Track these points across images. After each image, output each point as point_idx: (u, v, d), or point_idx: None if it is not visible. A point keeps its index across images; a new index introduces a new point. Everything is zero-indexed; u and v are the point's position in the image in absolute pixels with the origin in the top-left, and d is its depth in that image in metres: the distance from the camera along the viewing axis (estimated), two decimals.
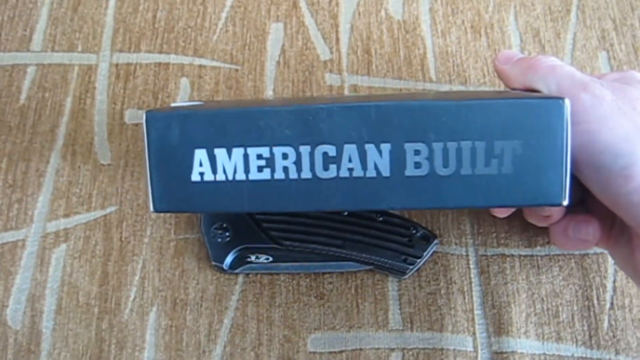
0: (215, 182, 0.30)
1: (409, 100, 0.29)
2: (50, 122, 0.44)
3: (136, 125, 0.43)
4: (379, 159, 0.29)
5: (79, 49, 0.46)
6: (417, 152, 0.29)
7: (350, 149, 0.29)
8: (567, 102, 0.27)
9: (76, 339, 0.38)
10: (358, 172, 0.29)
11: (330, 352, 0.38)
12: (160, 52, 0.46)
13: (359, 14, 0.47)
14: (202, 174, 0.30)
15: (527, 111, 0.28)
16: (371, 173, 0.29)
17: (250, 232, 0.38)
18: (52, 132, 0.43)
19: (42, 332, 0.38)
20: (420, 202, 0.31)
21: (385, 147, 0.29)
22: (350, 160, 0.29)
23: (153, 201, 0.30)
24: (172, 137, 0.29)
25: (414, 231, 0.38)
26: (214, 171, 0.30)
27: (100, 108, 0.44)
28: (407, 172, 0.29)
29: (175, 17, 0.47)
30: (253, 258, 0.38)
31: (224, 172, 0.30)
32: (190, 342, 0.38)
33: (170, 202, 0.30)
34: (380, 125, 0.29)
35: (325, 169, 0.30)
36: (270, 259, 0.38)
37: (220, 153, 0.30)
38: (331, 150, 0.29)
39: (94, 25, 0.47)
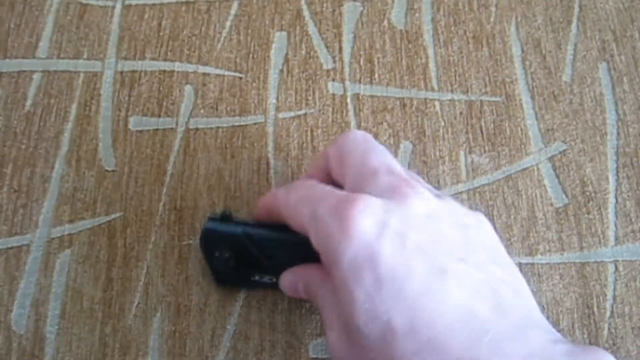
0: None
1: None
2: (55, 128, 0.44)
3: (140, 132, 0.44)
4: None
5: (85, 56, 0.46)
6: None
7: None
8: None
9: (80, 343, 0.38)
10: None
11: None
12: (165, 60, 0.46)
13: (362, 24, 0.47)
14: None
15: None
16: None
17: (254, 262, 0.37)
18: (57, 138, 0.44)
19: (46, 337, 0.38)
20: None
21: None
22: None
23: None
24: None
25: None
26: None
27: (105, 115, 0.44)
28: None
29: (180, 25, 0.47)
30: (257, 277, 0.38)
31: None
32: (193, 348, 0.38)
33: None
34: None
35: None
36: (274, 279, 0.37)
37: None
38: None
39: (100, 33, 0.47)
